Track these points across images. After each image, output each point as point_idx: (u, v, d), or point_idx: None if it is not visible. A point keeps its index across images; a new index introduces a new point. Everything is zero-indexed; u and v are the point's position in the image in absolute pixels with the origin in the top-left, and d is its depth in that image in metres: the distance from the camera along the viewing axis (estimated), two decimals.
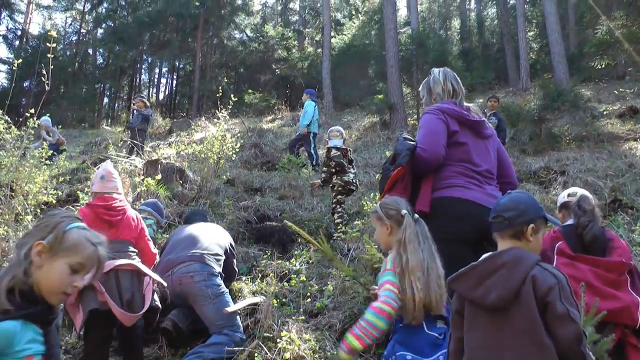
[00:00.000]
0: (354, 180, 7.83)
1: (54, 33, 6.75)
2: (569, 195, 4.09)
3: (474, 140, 3.69)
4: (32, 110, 6.17)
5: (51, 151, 7.05)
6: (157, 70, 40.40)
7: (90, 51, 37.32)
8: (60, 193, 7.54)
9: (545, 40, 24.00)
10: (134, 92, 34.45)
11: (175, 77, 38.61)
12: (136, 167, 9.29)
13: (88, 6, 35.88)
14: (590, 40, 19.73)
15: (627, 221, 6.90)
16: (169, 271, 4.67)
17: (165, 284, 4.41)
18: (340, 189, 7.67)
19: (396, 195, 3.36)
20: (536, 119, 12.56)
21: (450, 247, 3.23)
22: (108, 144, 13.25)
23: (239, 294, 5.28)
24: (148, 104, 14.22)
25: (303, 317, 4.74)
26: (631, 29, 16.69)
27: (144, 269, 4.20)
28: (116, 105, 39.91)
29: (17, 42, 33.82)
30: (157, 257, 4.79)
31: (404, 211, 3.08)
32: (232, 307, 4.58)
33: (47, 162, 6.54)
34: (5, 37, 33.52)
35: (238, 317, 4.64)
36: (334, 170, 7.72)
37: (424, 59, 18.40)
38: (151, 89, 40.92)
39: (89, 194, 5.20)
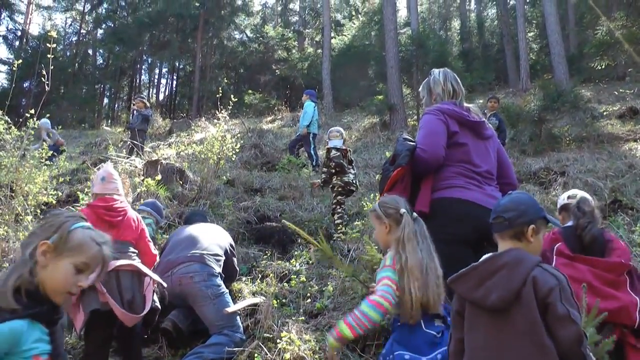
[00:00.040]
0: (354, 181, 7.83)
1: (54, 33, 6.75)
2: (568, 197, 4.11)
3: (474, 141, 3.69)
4: (32, 111, 6.17)
5: (51, 152, 7.05)
6: (157, 71, 40.42)
7: (90, 52, 37.33)
8: (60, 194, 7.54)
9: (545, 41, 24.01)
10: (134, 92, 34.49)
11: (175, 77, 38.62)
12: (136, 167, 9.29)
13: (88, 7, 35.89)
14: (590, 41, 19.76)
15: (627, 222, 6.90)
16: (168, 272, 4.67)
17: (165, 285, 4.41)
18: (340, 189, 7.67)
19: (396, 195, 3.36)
20: (536, 119, 12.56)
21: (451, 247, 3.24)
22: (108, 144, 13.24)
23: (239, 295, 5.28)
24: (148, 104, 14.21)
25: (303, 318, 4.74)
26: (631, 29, 16.70)
27: (145, 269, 4.20)
28: (116, 105, 39.93)
29: (17, 43, 33.80)
30: (157, 258, 4.79)
31: (402, 210, 3.08)
32: (232, 308, 4.58)
33: (47, 162, 6.54)
34: (5, 37, 33.51)
35: (238, 317, 4.64)
36: (333, 170, 7.72)
37: (424, 59, 18.39)
38: (151, 90, 40.93)
39: (90, 194, 5.21)
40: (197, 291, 4.55)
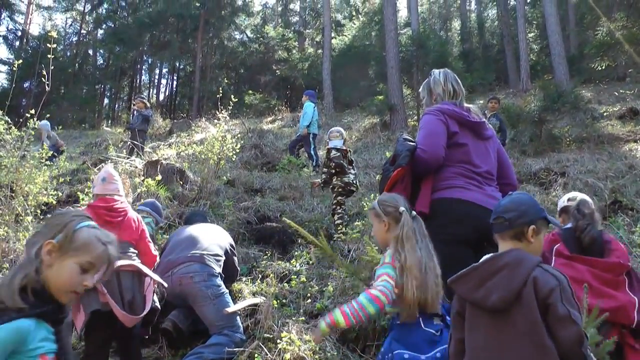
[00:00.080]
0: (354, 181, 7.83)
1: (54, 34, 6.76)
2: (568, 199, 4.12)
3: (474, 142, 3.69)
4: (33, 111, 6.17)
5: (51, 152, 7.05)
6: (157, 71, 40.40)
7: (90, 52, 37.31)
8: (60, 194, 7.55)
9: (546, 42, 24.00)
10: (134, 93, 34.47)
11: (175, 77, 38.59)
12: (136, 167, 9.30)
13: (88, 7, 35.88)
14: (591, 42, 19.74)
15: (627, 222, 6.91)
16: (169, 272, 4.68)
17: (165, 285, 4.42)
18: (340, 190, 7.67)
19: None
20: (536, 120, 12.55)
21: (451, 247, 3.24)
22: (108, 144, 13.26)
23: (239, 295, 5.28)
24: (148, 104, 14.22)
25: (303, 318, 4.74)
26: (631, 30, 16.70)
27: (145, 270, 4.21)
28: (116, 106, 39.89)
29: (17, 43, 33.79)
30: (158, 258, 4.80)
31: (401, 208, 3.08)
32: (232, 308, 4.58)
33: (47, 163, 6.54)
34: (5, 37, 33.51)
35: (238, 317, 4.65)
36: (334, 171, 7.71)
37: (424, 60, 18.38)
38: (151, 90, 40.91)
39: (90, 195, 5.22)
40: (197, 291, 4.55)
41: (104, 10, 35.46)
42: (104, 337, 4.04)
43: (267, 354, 4.12)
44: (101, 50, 36.29)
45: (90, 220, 2.14)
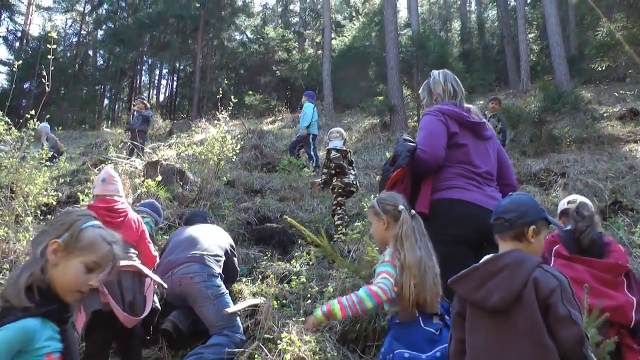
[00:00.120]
0: (354, 182, 7.82)
1: (54, 34, 6.75)
2: (568, 202, 4.14)
3: (474, 142, 3.69)
4: (33, 112, 6.17)
5: (51, 152, 7.05)
6: (157, 72, 40.39)
7: (90, 53, 37.29)
8: (60, 194, 7.54)
9: (546, 42, 23.98)
10: (134, 93, 34.46)
11: (175, 78, 38.58)
12: (136, 168, 9.29)
13: (88, 7, 35.88)
14: (591, 42, 19.75)
15: (627, 223, 6.90)
16: (169, 272, 4.68)
17: (165, 286, 4.42)
18: (340, 190, 7.66)
19: None
20: (536, 120, 12.54)
21: (450, 248, 3.24)
22: (108, 145, 13.27)
23: (239, 296, 5.29)
24: (148, 105, 14.24)
25: (303, 319, 4.73)
26: (632, 30, 16.70)
27: (145, 270, 4.21)
28: (116, 106, 39.86)
29: (17, 44, 33.78)
30: (158, 259, 4.80)
31: (400, 206, 3.08)
32: (232, 308, 4.59)
33: (48, 163, 6.54)
34: (5, 38, 33.49)
35: (238, 318, 4.65)
36: (333, 172, 7.71)
37: (425, 60, 18.36)
38: (151, 91, 40.91)
39: (91, 196, 5.22)
40: (197, 292, 4.56)
41: (104, 11, 35.46)
42: (105, 337, 4.04)
43: (267, 355, 4.12)
44: (101, 51, 36.27)
45: (95, 220, 2.15)
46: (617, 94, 17.86)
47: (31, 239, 5.57)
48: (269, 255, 6.55)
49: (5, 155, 6.11)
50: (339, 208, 7.61)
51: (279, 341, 4.21)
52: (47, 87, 6.03)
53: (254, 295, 5.28)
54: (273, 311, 4.74)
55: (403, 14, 38.43)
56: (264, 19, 40.53)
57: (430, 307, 2.87)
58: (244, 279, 5.78)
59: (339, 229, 7.21)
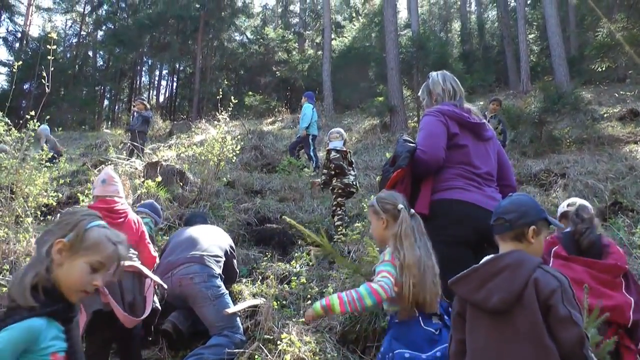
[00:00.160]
0: (354, 183, 7.82)
1: (54, 35, 6.73)
2: (568, 205, 4.16)
3: (474, 143, 3.68)
4: (32, 113, 6.17)
5: (51, 153, 7.04)
6: (157, 73, 40.41)
7: (90, 53, 37.30)
8: (60, 195, 7.54)
9: (546, 43, 23.97)
10: (134, 94, 34.48)
11: (175, 79, 38.58)
12: (136, 169, 9.29)
13: (88, 8, 35.91)
14: (591, 43, 19.74)
15: (628, 224, 6.90)
16: (168, 273, 4.69)
17: (165, 286, 4.42)
18: (340, 191, 7.66)
19: None
20: (536, 121, 12.54)
21: (450, 249, 3.24)
22: (108, 146, 13.26)
23: (239, 296, 5.29)
24: (148, 106, 14.23)
25: (303, 319, 4.73)
26: (632, 31, 16.70)
27: (146, 271, 4.22)
28: (116, 107, 39.87)
29: (17, 44, 33.77)
30: (157, 259, 4.80)
31: (400, 205, 3.07)
32: (232, 309, 4.59)
33: (48, 164, 6.54)
34: (5, 39, 33.49)
35: (238, 318, 4.65)
36: (333, 172, 7.71)
37: (425, 61, 18.36)
38: (151, 91, 40.95)
39: (91, 196, 5.22)
40: (197, 292, 4.56)
41: (104, 12, 35.48)
42: (105, 337, 4.05)
43: (267, 355, 4.12)
44: (101, 52, 36.29)
45: (100, 220, 2.15)
46: (617, 95, 17.86)
47: (31, 239, 5.59)
48: (269, 256, 6.55)
49: (6, 156, 6.10)
50: (338, 209, 7.61)
51: (279, 342, 4.21)
52: (47, 88, 6.03)
53: (254, 295, 5.28)
54: (273, 312, 4.74)
55: (403, 15, 38.49)
56: (264, 19, 40.51)
57: (429, 307, 2.87)
58: (244, 280, 5.78)
59: (339, 229, 7.20)
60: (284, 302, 5.25)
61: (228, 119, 10.00)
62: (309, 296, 5.28)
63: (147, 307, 4.16)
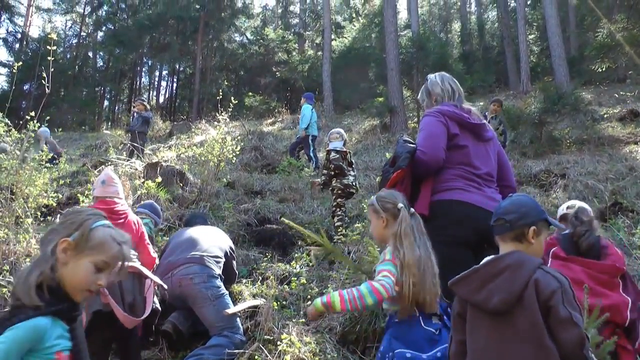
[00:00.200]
0: (354, 183, 7.82)
1: (54, 36, 6.73)
2: (567, 207, 4.19)
3: (474, 143, 3.68)
4: (33, 113, 6.16)
5: (51, 154, 7.04)
6: (157, 73, 40.36)
7: (90, 54, 37.26)
8: (60, 196, 7.54)
9: (546, 43, 23.97)
10: (134, 95, 34.51)
11: (175, 80, 38.55)
12: (136, 169, 9.29)
13: (88, 9, 35.90)
14: (591, 43, 19.73)
15: (628, 224, 6.91)
16: (168, 273, 4.69)
17: (165, 287, 4.42)
18: (339, 192, 7.66)
19: None
20: (537, 122, 12.55)
21: (450, 249, 3.24)
22: (108, 147, 13.25)
23: (239, 297, 5.29)
24: (148, 106, 14.23)
25: (303, 320, 4.74)
26: (632, 32, 16.69)
27: (145, 271, 4.22)
28: (116, 108, 39.83)
29: (17, 45, 33.73)
30: (157, 260, 4.81)
31: (400, 204, 3.07)
32: (232, 309, 4.59)
33: (48, 165, 6.54)
34: (5, 40, 33.46)
35: (238, 319, 4.65)
36: (333, 173, 7.70)
37: (425, 61, 18.36)
38: (151, 92, 40.91)
39: (91, 197, 5.22)
40: (197, 292, 4.56)
41: (104, 13, 35.45)
42: (105, 337, 4.05)
43: (267, 356, 4.12)
44: (101, 53, 36.23)
45: (105, 220, 2.15)
46: (617, 95, 17.85)
47: (31, 240, 5.59)
48: (269, 256, 6.55)
49: (6, 157, 6.10)
50: (338, 209, 7.61)
51: (279, 342, 4.21)
52: (47, 89, 6.02)
53: (254, 296, 5.29)
54: (273, 312, 4.74)
55: (403, 15, 38.51)
56: (263, 20, 40.46)
57: (429, 307, 2.87)
58: (244, 280, 5.79)
59: (339, 230, 7.21)
60: (284, 302, 5.24)
61: (228, 120, 10.00)
62: (309, 297, 5.28)
63: (147, 307, 4.17)
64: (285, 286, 5.54)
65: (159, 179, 7.96)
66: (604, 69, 18.44)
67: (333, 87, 25.38)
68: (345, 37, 33.62)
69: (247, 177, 11.12)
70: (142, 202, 6.13)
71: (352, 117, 22.64)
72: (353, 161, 8.20)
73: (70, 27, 39.00)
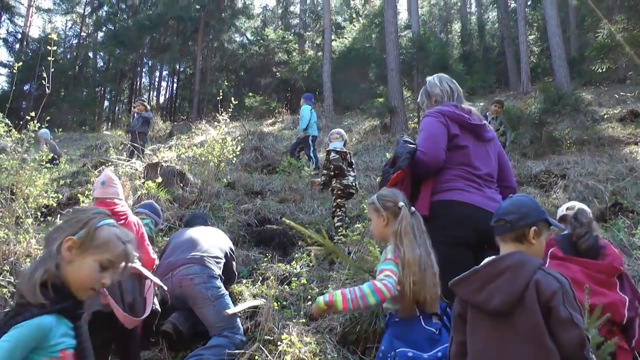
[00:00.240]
0: (354, 184, 7.81)
1: (54, 36, 6.74)
2: (567, 208, 4.21)
3: (475, 144, 3.68)
4: (33, 114, 6.16)
5: (52, 155, 7.04)
6: (157, 74, 40.39)
7: (90, 54, 37.27)
8: (60, 196, 7.53)
9: (546, 44, 23.99)
10: (134, 95, 34.53)
11: (175, 80, 38.57)
12: (137, 170, 9.29)
13: (88, 9, 35.92)
14: (591, 44, 19.70)
15: (628, 225, 6.90)
16: (169, 274, 4.69)
17: (165, 288, 4.43)
18: (339, 192, 7.65)
19: None
20: (537, 122, 12.55)
21: (450, 249, 3.24)
22: (108, 147, 13.25)
23: (240, 297, 5.29)
24: (148, 107, 14.23)
25: (304, 320, 4.74)
26: (632, 32, 16.67)
27: (145, 272, 4.22)
28: (117, 108, 39.84)
29: (17, 46, 33.75)
30: (157, 261, 4.81)
31: (400, 203, 3.07)
32: (232, 310, 4.59)
33: (48, 165, 6.53)
34: (5, 40, 33.51)
35: (238, 319, 4.65)
36: (332, 173, 7.70)
37: (425, 62, 18.38)
38: (152, 92, 40.94)
39: (91, 198, 5.22)
40: (197, 293, 4.56)
41: (104, 13, 35.47)
42: (105, 338, 4.05)
43: (267, 356, 4.12)
44: (101, 53, 36.23)
45: (110, 219, 2.16)
46: (617, 96, 17.86)
47: (31, 240, 5.58)
48: (269, 256, 6.55)
49: (6, 157, 6.10)
50: (338, 210, 7.61)
51: (279, 343, 4.21)
52: (47, 89, 6.03)
53: (254, 296, 5.29)
54: (273, 313, 4.74)
55: (403, 16, 38.53)
56: (264, 20, 40.47)
57: (430, 306, 2.87)
58: (244, 281, 5.79)
59: (339, 230, 7.21)
60: (284, 303, 5.24)
61: (228, 120, 10.00)
62: (309, 297, 5.28)
63: (147, 307, 4.17)
64: (286, 286, 5.54)
65: (159, 180, 7.96)
66: (604, 70, 18.39)
67: (333, 87, 25.40)
68: (346, 38, 33.64)
69: (248, 178, 11.12)
70: (142, 202, 6.13)
71: (352, 118, 22.64)
72: (353, 162, 8.20)
73: (71, 27, 39.09)
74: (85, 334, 2.10)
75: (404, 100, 19.06)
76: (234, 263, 5.42)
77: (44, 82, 6.14)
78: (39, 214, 6.06)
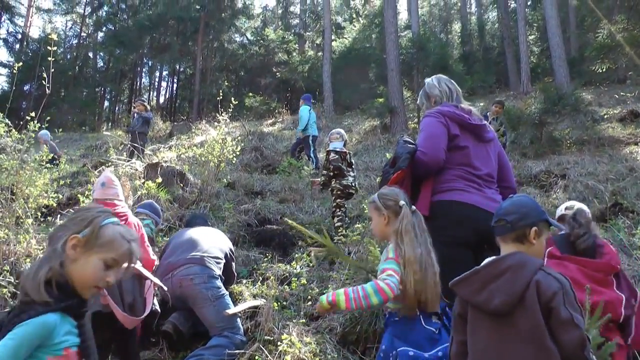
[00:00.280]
0: (353, 184, 7.81)
1: (54, 36, 6.74)
2: (566, 208, 4.20)
3: (475, 144, 3.68)
4: (33, 114, 6.16)
5: (52, 155, 7.04)
6: (157, 74, 40.42)
7: (90, 54, 37.28)
8: (60, 196, 7.53)
9: (546, 44, 23.98)
10: (134, 95, 34.56)
11: (175, 80, 38.60)
12: (137, 170, 9.28)
13: (88, 9, 35.95)
14: (591, 44, 19.71)
15: (628, 225, 6.90)
16: (169, 274, 4.69)
17: (165, 289, 4.43)
18: (339, 192, 7.65)
19: None
20: (537, 122, 12.55)
21: (451, 249, 3.24)
22: (108, 147, 13.25)
23: (240, 297, 5.29)
24: (148, 107, 14.23)
25: (304, 320, 4.74)
26: (632, 32, 16.67)
27: (146, 272, 4.22)
28: (117, 108, 39.87)
29: (17, 46, 33.77)
30: (157, 261, 4.81)
31: (401, 202, 3.07)
32: (232, 310, 4.59)
33: (48, 165, 6.53)
34: (5, 40, 33.55)
35: (238, 319, 4.65)
36: (332, 173, 7.70)
37: (425, 62, 18.40)
38: (152, 93, 40.97)
39: (91, 198, 5.22)
40: (197, 293, 4.56)
41: (104, 13, 35.51)
42: (105, 338, 4.04)
43: (267, 356, 4.11)
44: (101, 53, 36.25)
45: (114, 217, 2.16)
46: (617, 96, 17.86)
47: (31, 240, 5.58)
48: (269, 257, 6.55)
49: (6, 157, 6.09)
50: (338, 210, 7.61)
51: (279, 343, 4.21)
52: (47, 89, 6.03)
53: (255, 296, 5.28)
54: (273, 313, 4.74)
55: (403, 16, 38.53)
56: (264, 20, 40.47)
57: (430, 306, 2.87)
58: (244, 281, 5.79)
59: (339, 230, 7.21)
60: (285, 303, 5.24)
61: (228, 120, 10.00)
62: (309, 297, 5.28)
63: (147, 308, 4.17)
64: (286, 287, 5.54)
65: (159, 180, 7.96)
66: (604, 70, 18.40)
67: (333, 87, 25.39)
68: (346, 38, 33.64)
69: (248, 178, 11.12)
70: (142, 202, 6.13)
71: (353, 118, 22.63)
72: (353, 162, 8.19)
73: (71, 27, 39.14)
74: (88, 332, 2.10)
75: (404, 100, 19.06)
76: (233, 264, 5.42)
77: (44, 83, 6.14)
78: (39, 214, 6.06)
